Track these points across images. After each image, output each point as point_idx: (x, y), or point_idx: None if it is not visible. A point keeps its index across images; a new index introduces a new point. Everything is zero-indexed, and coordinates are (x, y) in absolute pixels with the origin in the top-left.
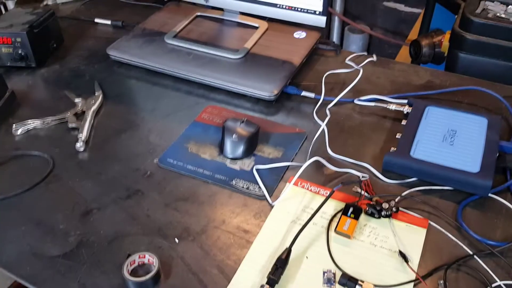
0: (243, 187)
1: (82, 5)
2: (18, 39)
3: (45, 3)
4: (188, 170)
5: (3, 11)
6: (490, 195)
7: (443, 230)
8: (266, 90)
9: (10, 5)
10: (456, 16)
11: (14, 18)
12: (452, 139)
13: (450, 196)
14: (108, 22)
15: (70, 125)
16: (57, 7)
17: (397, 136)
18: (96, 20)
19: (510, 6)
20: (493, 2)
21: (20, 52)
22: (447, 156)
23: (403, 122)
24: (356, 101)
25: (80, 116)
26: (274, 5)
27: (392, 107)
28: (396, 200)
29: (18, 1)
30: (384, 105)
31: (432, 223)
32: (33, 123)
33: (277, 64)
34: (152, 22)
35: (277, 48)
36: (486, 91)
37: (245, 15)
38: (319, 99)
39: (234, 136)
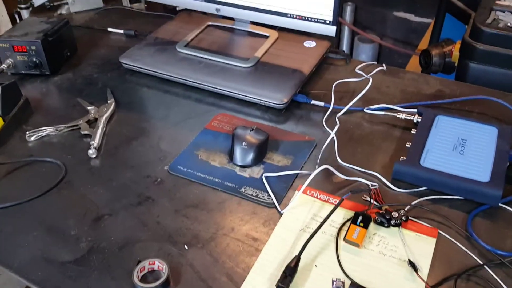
0: (252, 195)
1: (96, 14)
2: (33, 47)
3: (59, 12)
4: (198, 177)
5: (18, 20)
6: (500, 204)
7: (453, 240)
8: (276, 98)
9: (25, 14)
10: (466, 26)
11: (29, 26)
12: (462, 148)
13: (460, 205)
14: (121, 31)
15: (83, 132)
16: (71, 16)
17: (406, 145)
18: (109, 29)
19: None
20: (504, 12)
21: (34, 60)
22: (457, 165)
23: (413, 131)
24: (365, 110)
25: (92, 123)
26: (285, 15)
27: (402, 116)
28: (406, 209)
29: (33, 11)
30: (394, 114)
31: (442, 232)
32: (46, 130)
33: (287, 72)
34: (164, 31)
35: (287, 57)
36: (497, 100)
37: (255, 25)
38: (328, 108)
39: (243, 143)
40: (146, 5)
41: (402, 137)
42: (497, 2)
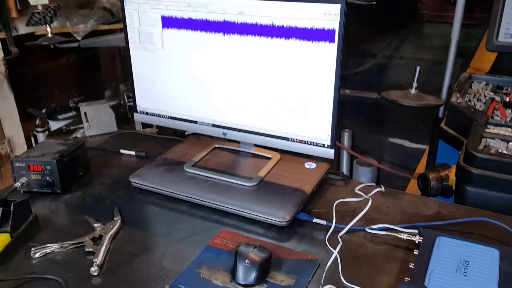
0: None
1: (110, 137)
2: (48, 167)
3: (74, 135)
4: None
5: (33, 143)
6: None
7: None
8: (279, 216)
9: (41, 137)
10: (460, 152)
11: (46, 148)
12: (465, 270)
13: None
14: (133, 152)
15: (87, 249)
16: (86, 139)
17: (410, 266)
18: (122, 150)
19: (510, 143)
20: (494, 139)
21: (48, 179)
22: None
23: (415, 252)
24: (367, 230)
25: (97, 240)
26: (286, 139)
27: (403, 236)
28: None
29: (49, 134)
30: (395, 234)
31: None
32: (52, 247)
33: (289, 191)
34: (173, 152)
35: (289, 177)
36: (496, 222)
37: (259, 147)
38: (330, 226)
39: (246, 261)
40: (157, 130)
41: (405, 258)
42: (487, 130)
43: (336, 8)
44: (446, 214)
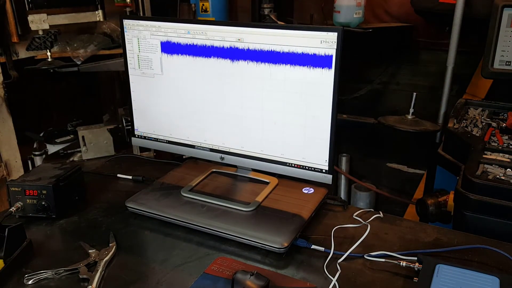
0: None
1: (107, 161)
2: (44, 191)
3: (72, 159)
4: None
5: (30, 166)
6: None
7: None
8: (276, 242)
9: (38, 161)
10: (457, 177)
11: (43, 172)
12: None
13: None
14: (129, 177)
15: (81, 276)
16: (83, 163)
17: None
18: (119, 175)
19: (508, 169)
20: (491, 165)
21: (43, 203)
22: None
23: (415, 280)
24: (366, 257)
25: (92, 266)
26: (284, 164)
27: (403, 263)
28: None
29: (47, 157)
30: (395, 261)
31: None
32: (45, 274)
33: (287, 217)
34: (170, 177)
35: (287, 202)
36: (495, 250)
37: (257, 172)
38: (329, 253)
39: None
40: (155, 153)
41: (405, 286)
42: (484, 155)
43: (333, 37)
44: (445, 240)
